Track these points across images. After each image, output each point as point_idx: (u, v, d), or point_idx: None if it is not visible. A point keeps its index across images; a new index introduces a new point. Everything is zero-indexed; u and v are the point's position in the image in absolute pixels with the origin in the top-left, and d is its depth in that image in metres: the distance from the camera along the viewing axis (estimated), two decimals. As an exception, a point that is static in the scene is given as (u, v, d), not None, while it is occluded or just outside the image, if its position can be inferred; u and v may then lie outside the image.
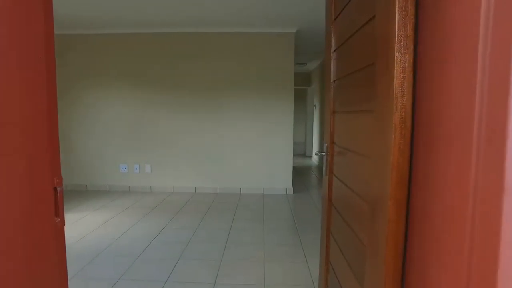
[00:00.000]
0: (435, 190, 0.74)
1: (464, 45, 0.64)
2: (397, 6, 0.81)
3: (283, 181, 5.17)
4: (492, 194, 0.55)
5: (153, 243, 3.14)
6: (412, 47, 0.82)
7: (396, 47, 0.82)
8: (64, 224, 0.91)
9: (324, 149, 1.69)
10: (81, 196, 4.80)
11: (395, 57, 0.82)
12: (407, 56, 0.82)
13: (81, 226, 3.54)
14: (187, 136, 5.10)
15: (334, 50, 1.59)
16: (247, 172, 5.15)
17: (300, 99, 9.38)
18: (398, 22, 0.81)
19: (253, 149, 5.10)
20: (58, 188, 0.87)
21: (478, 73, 0.58)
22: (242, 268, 2.66)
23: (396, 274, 0.87)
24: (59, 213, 0.87)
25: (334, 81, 1.64)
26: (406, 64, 0.82)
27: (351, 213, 1.27)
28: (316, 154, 6.24)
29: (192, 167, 5.15)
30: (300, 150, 9.91)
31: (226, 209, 4.26)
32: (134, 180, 5.18)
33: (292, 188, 5.19)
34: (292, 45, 4.93)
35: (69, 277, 1.02)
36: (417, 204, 0.83)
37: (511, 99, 0.51)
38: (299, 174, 6.71)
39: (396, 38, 0.82)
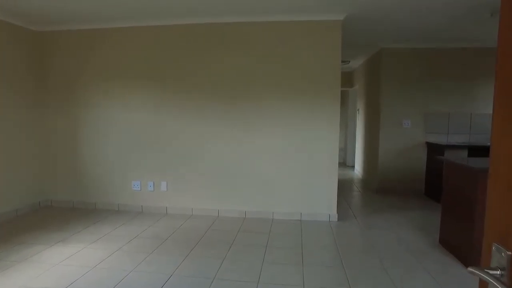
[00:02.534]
0: None
1: None
2: None
3: (326, 205, 4.19)
4: None
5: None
6: None
7: None
8: None
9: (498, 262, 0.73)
10: (86, 218, 4.11)
11: None
12: None
13: (65, 270, 2.79)
14: (210, 148, 4.27)
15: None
16: (281, 192, 4.22)
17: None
18: None
19: (288, 164, 4.17)
20: None
21: None
22: None
23: None
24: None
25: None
26: None
27: None
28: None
29: (216, 185, 4.31)
30: (339, 159, 8.82)
31: (254, 244, 3.36)
32: (147, 199, 4.43)
33: (336, 214, 4.19)
34: (338, 36, 3.94)
35: None
36: None
37: None
38: (340, 189, 5.67)
39: None
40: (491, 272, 0.67)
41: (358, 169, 7.60)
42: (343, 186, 6.13)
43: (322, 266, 2.90)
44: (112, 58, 4.31)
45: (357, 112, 7.94)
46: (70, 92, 4.43)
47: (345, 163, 8.80)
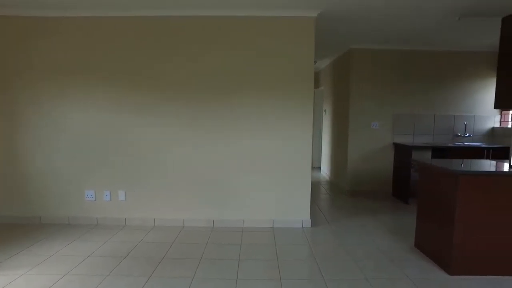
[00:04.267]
0: None
1: None
2: None
3: (299, 211, 3.99)
4: None
5: None
6: None
7: None
8: None
9: None
10: (29, 235, 3.55)
11: None
12: None
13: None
14: (175, 154, 3.90)
15: None
16: (252, 199, 3.96)
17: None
18: None
19: (259, 168, 3.92)
20: None
21: None
22: None
23: None
24: None
25: None
26: None
27: None
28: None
29: (181, 193, 3.94)
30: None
31: (225, 258, 3.06)
32: (103, 211, 3.96)
33: (309, 220, 4.01)
34: (311, 33, 3.76)
35: None
36: None
37: None
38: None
39: None
40: None
41: (325, 171, 7.55)
42: (312, 189, 6.00)
43: (301, 280, 2.68)
44: (63, 52, 3.78)
45: (324, 113, 7.91)
46: (10, 88, 3.83)
47: (311, 165, 8.73)
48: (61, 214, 3.95)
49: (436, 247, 3.00)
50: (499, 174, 2.76)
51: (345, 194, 5.62)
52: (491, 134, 5.54)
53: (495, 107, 3.07)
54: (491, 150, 4.92)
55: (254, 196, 3.95)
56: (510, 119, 5.45)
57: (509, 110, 4.26)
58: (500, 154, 4.88)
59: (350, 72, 5.43)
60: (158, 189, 3.92)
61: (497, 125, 5.54)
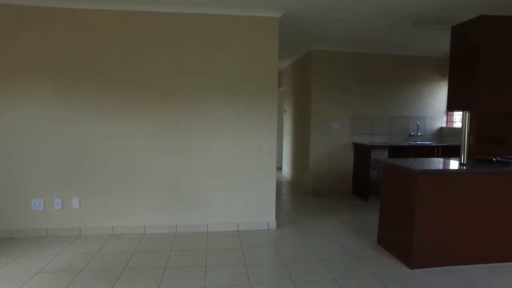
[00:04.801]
0: None
1: None
2: None
3: (264, 212, 3.96)
4: None
5: None
6: None
7: None
8: None
9: None
10: (-34, 252, 3.16)
11: None
12: None
13: None
14: (134, 157, 3.67)
15: None
16: (216, 202, 3.86)
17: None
18: None
19: (224, 170, 3.83)
20: None
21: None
22: None
23: None
24: None
25: None
26: None
27: None
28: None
29: (141, 198, 3.73)
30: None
31: (191, 265, 2.94)
32: (54, 221, 3.62)
33: (275, 221, 4.00)
34: (276, 34, 3.74)
35: None
36: None
37: None
38: (275, 195, 5.54)
39: None
40: None
41: (286, 171, 7.62)
42: (275, 189, 6.02)
43: (271, 285, 2.64)
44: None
45: (284, 113, 7.99)
46: None
47: (273, 164, 8.78)
48: (1, 227, 3.55)
49: (398, 243, 3.12)
50: (455, 172, 2.93)
51: (307, 194, 5.70)
52: (439, 133, 5.94)
53: (447, 110, 3.26)
54: (440, 149, 5.27)
55: (218, 199, 3.85)
56: (458, 119, 5.88)
57: (459, 111, 4.60)
58: (448, 152, 5.23)
59: (310, 73, 5.52)
60: (117, 195, 3.68)
61: (444, 125, 5.95)
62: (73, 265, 2.92)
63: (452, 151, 5.23)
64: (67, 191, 3.60)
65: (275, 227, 3.97)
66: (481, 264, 3.02)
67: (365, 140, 5.67)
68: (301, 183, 6.21)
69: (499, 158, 3.36)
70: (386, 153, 5.29)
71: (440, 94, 5.86)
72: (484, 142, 4.17)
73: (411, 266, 2.91)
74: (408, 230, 2.95)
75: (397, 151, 5.24)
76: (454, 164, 3.21)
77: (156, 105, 3.64)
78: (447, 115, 5.97)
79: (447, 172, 2.93)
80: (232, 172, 3.84)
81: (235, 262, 3.03)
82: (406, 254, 2.99)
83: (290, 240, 3.61)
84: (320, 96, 5.52)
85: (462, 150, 3.15)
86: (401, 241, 3.06)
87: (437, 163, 3.32)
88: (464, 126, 3.11)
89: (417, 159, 3.60)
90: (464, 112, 3.10)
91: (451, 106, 3.16)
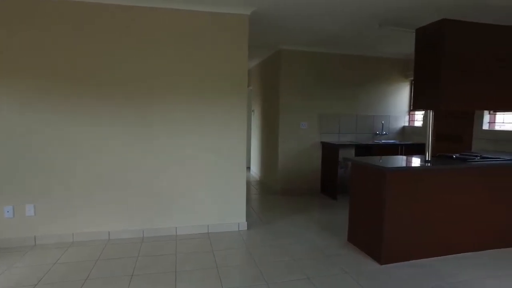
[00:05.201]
0: None
1: None
2: None
3: (235, 213, 3.88)
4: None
5: None
6: None
7: None
8: None
9: None
10: None
11: None
12: None
13: None
14: (96, 158, 3.44)
15: None
16: (185, 203, 3.72)
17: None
18: None
19: (192, 170, 3.70)
20: None
21: None
22: None
23: None
24: None
25: None
26: None
27: None
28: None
29: (104, 202, 3.51)
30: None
31: (160, 272, 2.79)
32: (4, 230, 3.31)
33: (246, 222, 3.93)
34: (245, 31, 3.68)
35: None
36: None
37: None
38: (245, 195, 5.48)
39: None
40: None
41: (254, 171, 7.59)
42: (245, 190, 5.96)
43: (244, 288, 2.57)
44: None
45: (252, 113, 7.95)
46: None
47: (241, 164, 8.72)
48: None
49: (368, 240, 3.18)
50: (422, 168, 3.03)
51: (277, 193, 5.70)
52: (402, 132, 6.18)
53: (413, 109, 3.39)
54: (404, 147, 5.48)
55: (187, 202, 3.72)
56: (419, 119, 6.14)
57: (424, 110, 4.80)
58: (411, 150, 5.45)
59: (279, 72, 5.52)
60: (77, 200, 3.43)
61: (406, 124, 6.20)
62: (27, 279, 2.67)
63: (414, 149, 5.45)
64: (19, 197, 3.30)
65: (246, 228, 3.91)
66: (447, 256, 3.16)
67: (332, 139, 5.77)
68: (270, 183, 6.20)
69: (458, 155, 3.53)
70: (353, 151, 5.41)
71: (402, 94, 6.10)
72: (443, 140, 4.38)
73: (381, 262, 2.97)
74: (378, 227, 3.01)
75: (364, 149, 5.38)
76: (419, 161, 3.32)
77: (119, 104, 3.44)
78: (409, 114, 6.23)
79: (415, 169, 3.03)
80: (201, 173, 3.72)
81: (207, 265, 2.93)
82: (376, 250, 3.04)
83: (261, 241, 3.57)
84: (288, 95, 5.53)
85: (427, 147, 3.26)
86: (371, 238, 3.11)
87: (404, 160, 3.43)
88: (428, 125, 3.23)
89: (383, 157, 3.70)
90: (428, 111, 3.22)
91: (416, 106, 3.27)
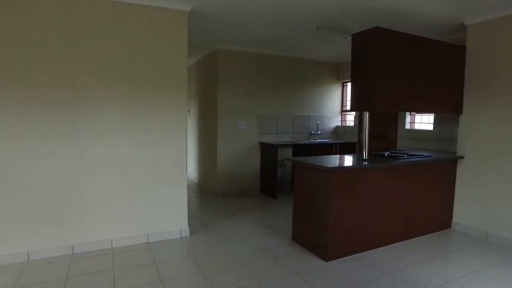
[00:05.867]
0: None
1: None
2: None
3: (176, 220, 3.67)
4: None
5: None
6: None
7: None
8: None
9: None
10: None
11: None
12: None
13: None
14: (12, 165, 2.94)
15: None
16: (119, 212, 3.40)
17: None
18: None
19: (128, 176, 3.40)
20: None
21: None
22: None
23: None
24: None
25: None
26: None
27: None
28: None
29: (23, 217, 3.01)
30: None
31: (96, 293, 2.49)
32: None
33: (188, 228, 3.75)
34: (185, 28, 3.49)
35: None
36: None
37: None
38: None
39: None
40: None
41: (191, 173, 7.35)
42: (184, 193, 5.71)
43: (194, 300, 2.42)
44: None
45: (188, 113, 7.68)
46: None
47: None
48: None
49: (312, 238, 3.26)
50: (362, 167, 3.21)
51: (217, 196, 5.58)
52: (335, 131, 6.54)
53: (351, 110, 3.56)
54: (338, 146, 5.79)
55: (122, 210, 3.40)
56: (351, 119, 6.56)
57: (361, 111, 5.07)
58: (344, 149, 5.79)
59: (217, 72, 5.40)
60: (-15, 216, 2.89)
61: (339, 124, 6.58)
62: None
63: (347, 148, 5.80)
64: None
65: (188, 235, 3.72)
66: (385, 246, 3.43)
67: (271, 139, 5.84)
68: (209, 185, 6.05)
69: (388, 153, 3.83)
70: (290, 151, 5.54)
71: (335, 96, 6.46)
72: (373, 139, 4.72)
73: (326, 259, 3.06)
74: (321, 225, 3.10)
75: (301, 149, 5.54)
76: (358, 160, 3.50)
77: (36, 101, 2.98)
78: (341, 114, 6.61)
79: (356, 168, 3.19)
80: (137, 178, 3.44)
81: (149, 279, 2.70)
82: (321, 248, 3.13)
83: (206, 247, 3.43)
84: (226, 96, 5.44)
85: (364, 147, 3.47)
86: (316, 237, 3.20)
87: (342, 159, 3.59)
88: (364, 125, 3.43)
89: (318, 156, 3.84)
90: (365, 112, 3.42)
91: (354, 107, 3.44)
